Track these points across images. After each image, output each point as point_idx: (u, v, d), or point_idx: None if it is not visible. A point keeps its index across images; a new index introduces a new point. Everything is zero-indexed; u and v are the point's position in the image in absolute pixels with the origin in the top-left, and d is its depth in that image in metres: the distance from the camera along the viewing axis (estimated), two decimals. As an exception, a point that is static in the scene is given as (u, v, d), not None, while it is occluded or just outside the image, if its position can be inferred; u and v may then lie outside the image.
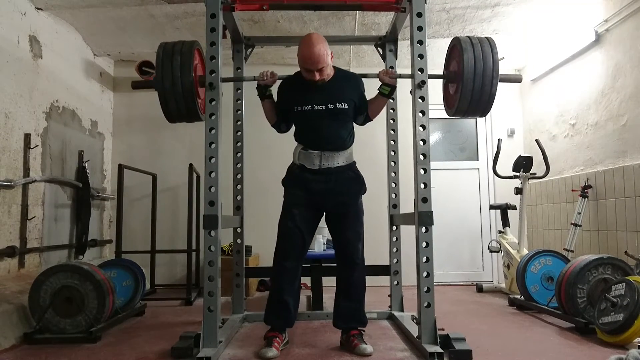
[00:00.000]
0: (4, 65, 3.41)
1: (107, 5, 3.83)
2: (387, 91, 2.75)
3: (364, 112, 2.84)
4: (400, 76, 2.78)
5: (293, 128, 2.89)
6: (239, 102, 3.54)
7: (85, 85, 4.66)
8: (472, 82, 2.58)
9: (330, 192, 2.74)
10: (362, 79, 2.85)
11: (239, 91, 3.54)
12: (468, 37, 2.69)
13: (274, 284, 2.77)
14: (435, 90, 2.92)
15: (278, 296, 2.70)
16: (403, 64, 4.39)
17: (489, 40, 2.65)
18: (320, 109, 2.67)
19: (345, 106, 2.70)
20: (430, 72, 2.65)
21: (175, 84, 2.59)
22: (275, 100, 2.86)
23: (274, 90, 2.85)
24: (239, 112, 3.54)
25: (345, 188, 2.78)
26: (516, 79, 2.80)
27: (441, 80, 2.96)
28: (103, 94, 5.06)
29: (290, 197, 2.78)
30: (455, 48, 2.74)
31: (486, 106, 2.69)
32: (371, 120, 2.92)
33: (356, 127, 2.98)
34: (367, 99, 2.85)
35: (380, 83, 2.77)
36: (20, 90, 3.58)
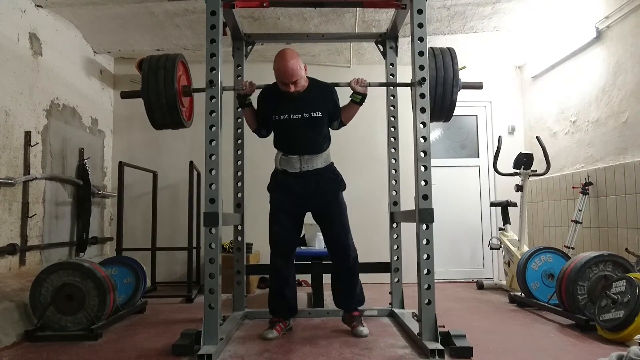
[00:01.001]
0: (4, 62, 3.40)
1: (107, 3, 3.83)
2: (359, 99, 2.94)
3: (337, 118, 3.03)
4: (370, 84, 2.93)
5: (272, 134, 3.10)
6: (240, 99, 3.54)
7: (85, 82, 4.66)
8: (434, 90, 2.75)
9: (312, 193, 2.96)
10: (335, 88, 3.02)
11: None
12: (431, 48, 2.82)
13: (271, 281, 3.11)
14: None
15: (276, 292, 3.04)
16: (403, 61, 4.38)
17: (450, 51, 2.83)
18: (297, 117, 2.89)
19: (319, 115, 2.91)
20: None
21: (160, 96, 2.77)
22: (256, 108, 3.04)
23: (254, 98, 3.03)
24: (239, 110, 3.54)
25: (325, 188, 2.99)
26: (476, 86, 2.95)
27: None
28: (103, 92, 5.06)
29: (275, 203, 3.04)
30: None
31: (448, 112, 2.85)
32: (345, 125, 3.09)
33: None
34: (341, 106, 3.03)
35: (352, 91, 2.94)
36: (21, 87, 3.58)
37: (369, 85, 2.94)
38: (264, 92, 3.02)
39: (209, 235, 2.56)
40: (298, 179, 2.95)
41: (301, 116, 2.88)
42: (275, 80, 2.90)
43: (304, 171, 2.93)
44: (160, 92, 2.74)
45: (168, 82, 2.75)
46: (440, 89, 2.74)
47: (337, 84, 3.01)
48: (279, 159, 3.01)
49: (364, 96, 2.94)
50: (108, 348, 2.69)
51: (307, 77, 2.92)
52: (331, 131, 3.10)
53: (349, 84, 2.92)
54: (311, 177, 2.95)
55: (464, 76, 2.88)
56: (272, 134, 3.09)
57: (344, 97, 3.03)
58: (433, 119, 2.86)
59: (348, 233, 3.02)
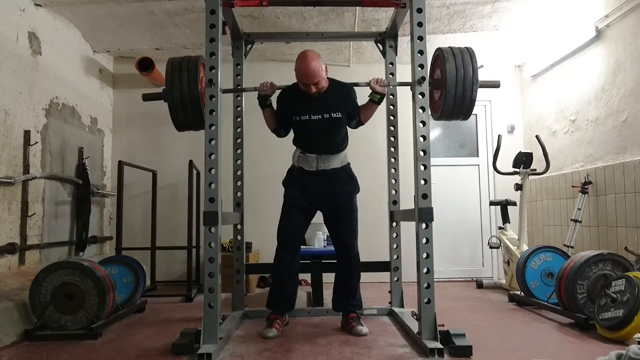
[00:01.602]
0: (3, 61, 3.40)
1: (107, 2, 3.82)
2: (377, 98, 3.00)
3: (356, 117, 3.10)
4: (389, 84, 3.01)
5: (291, 133, 3.14)
6: (239, 98, 3.54)
7: (84, 81, 4.65)
8: (454, 89, 2.75)
9: (327, 193, 3.00)
10: (354, 88, 3.06)
11: (238, 87, 3.53)
12: (450, 47, 2.85)
13: (274, 275, 3.13)
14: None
15: (278, 285, 3.06)
16: (403, 60, 4.38)
17: (469, 50, 2.83)
18: (317, 118, 2.94)
19: (339, 115, 2.97)
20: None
21: (184, 97, 2.76)
22: (275, 109, 3.07)
23: (274, 99, 3.08)
24: (239, 109, 3.54)
25: (340, 190, 3.03)
26: (494, 85, 2.97)
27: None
28: (102, 91, 5.06)
29: (289, 198, 3.07)
30: (439, 58, 2.90)
31: (468, 110, 2.85)
32: (363, 124, 3.17)
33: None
34: (359, 105, 3.09)
35: (371, 91, 2.99)
36: (20, 87, 3.58)
37: (388, 85, 2.99)
38: (284, 93, 3.07)
39: (208, 235, 2.56)
40: (314, 177, 3.01)
41: (321, 117, 2.94)
42: (295, 81, 2.95)
43: (321, 170, 3.01)
44: (184, 93, 2.75)
45: (192, 83, 2.76)
46: (461, 87, 2.75)
47: (356, 84, 3.05)
48: (296, 156, 3.07)
49: (382, 95, 3.00)
50: (108, 347, 2.69)
51: (327, 77, 2.96)
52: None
53: (368, 84, 2.97)
54: (327, 177, 3.01)
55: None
56: (292, 132, 3.13)
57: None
58: (452, 117, 2.89)
59: (355, 236, 3.09)
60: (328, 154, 3.00)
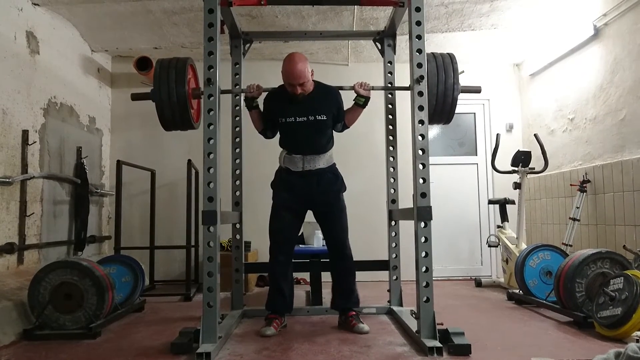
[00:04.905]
0: (1, 61, 3.39)
1: (105, 1, 3.82)
2: (362, 102, 3.03)
3: (341, 121, 3.13)
4: (374, 88, 3.01)
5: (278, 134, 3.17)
6: (238, 98, 3.54)
7: (83, 81, 4.64)
8: (435, 88, 2.80)
9: (314, 192, 3.04)
10: (340, 92, 3.08)
11: (237, 87, 3.53)
12: (432, 52, 2.88)
13: (271, 276, 3.14)
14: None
15: (276, 286, 3.08)
16: (402, 59, 4.37)
17: (450, 55, 2.89)
18: (302, 120, 2.98)
19: (324, 117, 3.00)
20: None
21: (171, 95, 2.78)
22: (262, 110, 3.10)
23: (260, 101, 3.09)
24: (237, 108, 3.54)
25: (327, 188, 3.07)
26: (474, 90, 2.98)
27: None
28: (101, 90, 5.05)
29: (278, 200, 3.11)
30: None
31: (450, 112, 2.88)
32: (348, 127, 3.20)
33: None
34: (345, 109, 3.12)
35: (356, 94, 3.02)
36: (18, 86, 3.57)
37: (372, 89, 3.00)
38: (271, 95, 3.10)
39: (207, 234, 2.56)
40: (300, 177, 3.03)
41: (307, 119, 2.97)
42: (282, 83, 2.97)
43: (307, 170, 3.03)
44: (171, 90, 2.77)
45: (179, 81, 2.78)
46: (442, 87, 2.78)
47: (341, 88, 3.06)
48: (283, 157, 3.09)
49: (367, 99, 3.03)
50: (107, 347, 2.69)
51: (313, 80, 2.99)
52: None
53: (352, 88, 3.00)
54: (313, 177, 3.04)
55: (462, 81, 2.88)
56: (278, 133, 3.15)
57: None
58: (434, 121, 2.90)
59: (346, 233, 3.12)
60: (313, 155, 3.02)
